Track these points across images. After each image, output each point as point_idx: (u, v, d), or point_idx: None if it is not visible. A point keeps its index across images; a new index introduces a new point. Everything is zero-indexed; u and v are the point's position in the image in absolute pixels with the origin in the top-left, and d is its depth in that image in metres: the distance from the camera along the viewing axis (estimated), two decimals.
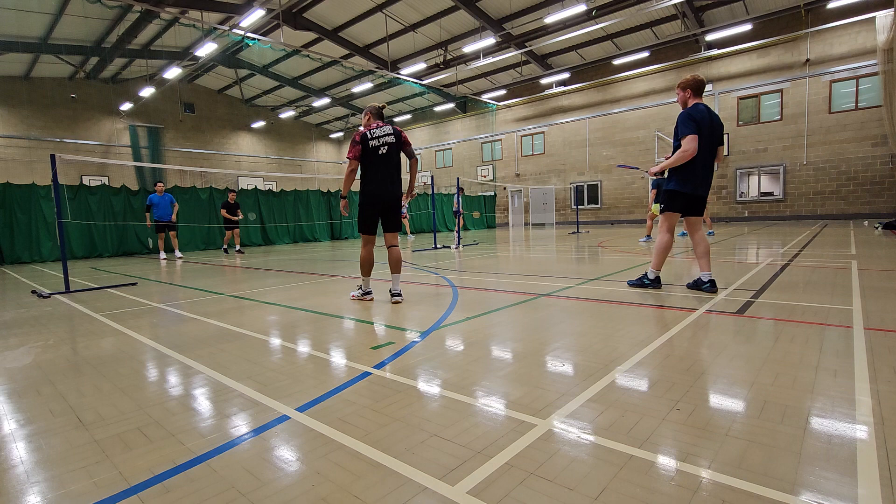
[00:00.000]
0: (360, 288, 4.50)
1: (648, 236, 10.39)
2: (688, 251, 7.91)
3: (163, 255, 11.08)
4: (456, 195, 11.99)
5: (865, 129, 16.23)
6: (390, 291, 4.30)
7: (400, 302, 4.22)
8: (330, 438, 1.68)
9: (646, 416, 1.75)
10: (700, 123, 3.89)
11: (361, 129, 4.24)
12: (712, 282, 4.10)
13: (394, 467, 1.47)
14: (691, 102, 4.06)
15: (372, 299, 4.46)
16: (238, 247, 12.39)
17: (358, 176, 4.33)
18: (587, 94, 22.73)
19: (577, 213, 16.86)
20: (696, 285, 4.21)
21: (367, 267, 4.39)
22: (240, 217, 12.31)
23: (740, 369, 2.21)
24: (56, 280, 6.99)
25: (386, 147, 4.18)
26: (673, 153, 4.07)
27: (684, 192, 4.08)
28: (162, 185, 10.83)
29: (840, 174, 16.79)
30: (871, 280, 4.46)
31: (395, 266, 4.35)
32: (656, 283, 4.40)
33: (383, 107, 4.41)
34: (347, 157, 4.16)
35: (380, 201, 4.24)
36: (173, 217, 10.85)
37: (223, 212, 12.05)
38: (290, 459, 1.55)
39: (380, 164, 4.16)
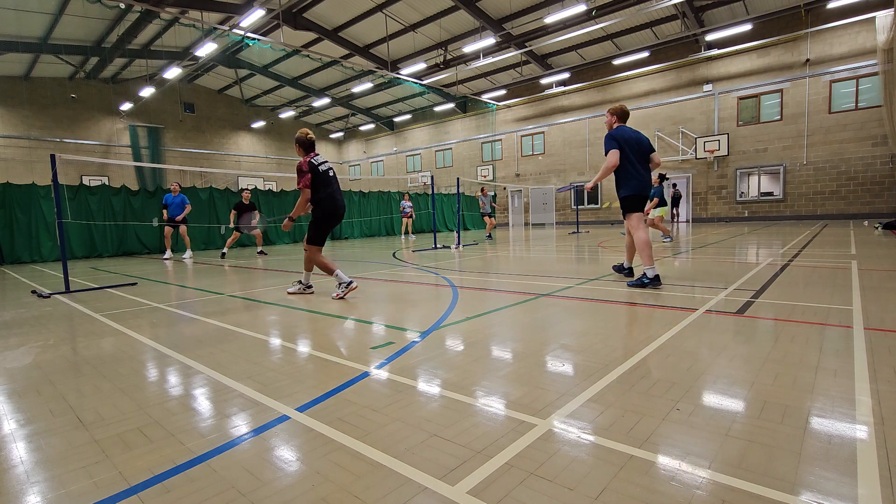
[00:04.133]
0: (340, 284, 4.64)
1: (669, 236, 10.33)
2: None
3: (167, 254, 11.03)
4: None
5: (865, 129, 16.23)
6: (340, 283, 4.65)
7: (356, 287, 4.65)
8: (330, 438, 1.68)
9: (646, 416, 1.75)
10: (620, 141, 4.62)
11: (303, 159, 4.57)
12: (630, 269, 5.10)
13: (394, 467, 1.47)
14: (616, 125, 4.80)
15: (313, 292, 4.93)
16: (260, 248, 11.47)
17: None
18: (587, 94, 22.73)
19: (577, 213, 16.86)
20: (620, 268, 5.20)
21: (329, 266, 4.69)
22: (258, 219, 11.39)
23: (740, 369, 2.21)
24: (56, 280, 6.99)
25: (332, 171, 4.75)
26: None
27: (634, 193, 4.71)
28: (177, 185, 10.98)
29: (840, 174, 16.79)
30: (871, 280, 4.46)
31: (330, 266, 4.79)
32: (656, 281, 4.45)
33: (311, 137, 4.70)
34: (299, 188, 4.51)
35: (337, 215, 4.70)
36: (180, 216, 10.85)
37: (232, 214, 11.07)
38: (290, 459, 1.55)
39: (332, 184, 4.67)
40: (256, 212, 11.38)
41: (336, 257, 9.78)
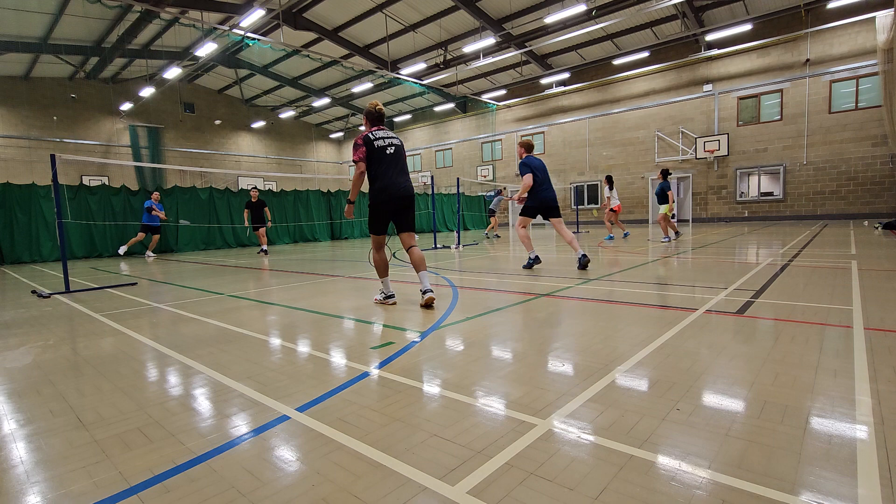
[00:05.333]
0: (382, 292, 4.30)
1: (667, 237, 10.39)
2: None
3: (148, 252, 11.90)
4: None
5: (865, 129, 16.23)
6: (421, 290, 4.08)
7: (433, 299, 4.02)
8: (330, 438, 1.68)
9: (646, 416, 1.75)
10: (531, 166, 6.25)
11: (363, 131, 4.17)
12: (584, 255, 6.02)
13: (394, 467, 1.47)
14: (525, 156, 6.40)
15: (394, 303, 4.22)
16: (264, 247, 11.74)
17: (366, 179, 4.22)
18: (587, 94, 22.73)
19: (577, 213, 16.86)
20: (581, 264, 5.98)
21: (382, 268, 4.26)
22: (269, 219, 11.93)
23: (740, 369, 2.21)
24: (56, 280, 6.99)
25: (393, 148, 4.12)
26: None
27: (533, 204, 6.36)
28: (157, 193, 12.01)
29: (840, 174, 16.79)
30: (871, 280, 4.46)
31: (420, 265, 4.14)
32: (537, 260, 6.39)
33: (380, 109, 4.21)
34: (353, 161, 4.03)
35: (392, 199, 4.07)
36: (162, 215, 11.90)
37: (246, 213, 11.73)
38: (290, 459, 1.55)
39: (389, 163, 4.07)
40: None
41: (336, 257, 9.78)
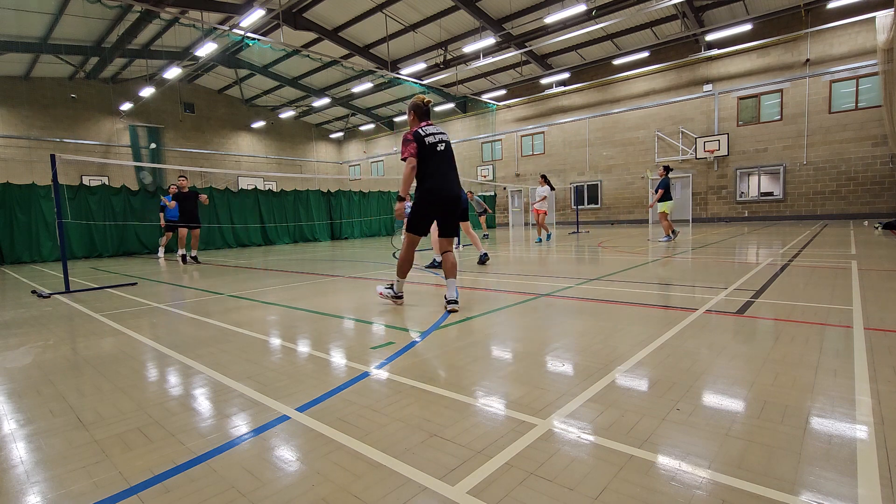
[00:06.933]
0: (392, 288, 4.17)
1: (668, 236, 10.29)
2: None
3: (161, 252, 11.33)
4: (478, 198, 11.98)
5: (865, 129, 16.22)
6: (445, 298, 3.90)
7: (456, 310, 3.79)
8: (330, 438, 1.68)
9: (646, 416, 1.75)
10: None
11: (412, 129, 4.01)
12: (485, 254, 7.02)
13: (394, 467, 1.47)
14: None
15: (401, 303, 4.17)
16: (194, 252, 10.06)
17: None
18: (587, 94, 22.72)
19: (578, 213, 16.86)
20: (482, 260, 6.96)
21: (406, 268, 4.09)
22: (204, 202, 9.75)
23: (740, 369, 2.21)
24: (56, 280, 6.99)
25: (444, 144, 3.94)
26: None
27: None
28: (175, 188, 10.15)
29: (840, 174, 16.78)
30: (871, 280, 4.46)
31: (451, 271, 3.96)
32: (439, 266, 6.59)
33: (429, 101, 4.02)
34: (402, 158, 3.82)
35: (442, 200, 3.90)
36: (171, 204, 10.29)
37: (165, 204, 9.72)
38: (290, 459, 1.55)
39: (440, 161, 3.89)
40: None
41: (336, 257, 9.78)
